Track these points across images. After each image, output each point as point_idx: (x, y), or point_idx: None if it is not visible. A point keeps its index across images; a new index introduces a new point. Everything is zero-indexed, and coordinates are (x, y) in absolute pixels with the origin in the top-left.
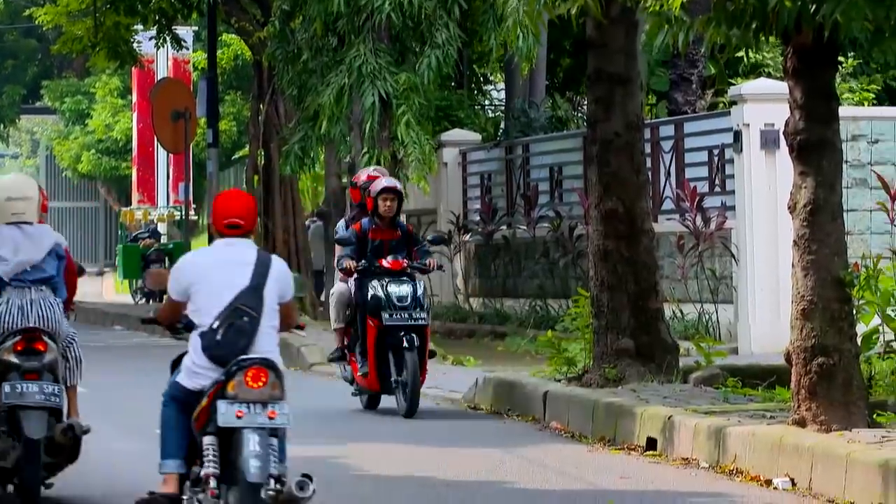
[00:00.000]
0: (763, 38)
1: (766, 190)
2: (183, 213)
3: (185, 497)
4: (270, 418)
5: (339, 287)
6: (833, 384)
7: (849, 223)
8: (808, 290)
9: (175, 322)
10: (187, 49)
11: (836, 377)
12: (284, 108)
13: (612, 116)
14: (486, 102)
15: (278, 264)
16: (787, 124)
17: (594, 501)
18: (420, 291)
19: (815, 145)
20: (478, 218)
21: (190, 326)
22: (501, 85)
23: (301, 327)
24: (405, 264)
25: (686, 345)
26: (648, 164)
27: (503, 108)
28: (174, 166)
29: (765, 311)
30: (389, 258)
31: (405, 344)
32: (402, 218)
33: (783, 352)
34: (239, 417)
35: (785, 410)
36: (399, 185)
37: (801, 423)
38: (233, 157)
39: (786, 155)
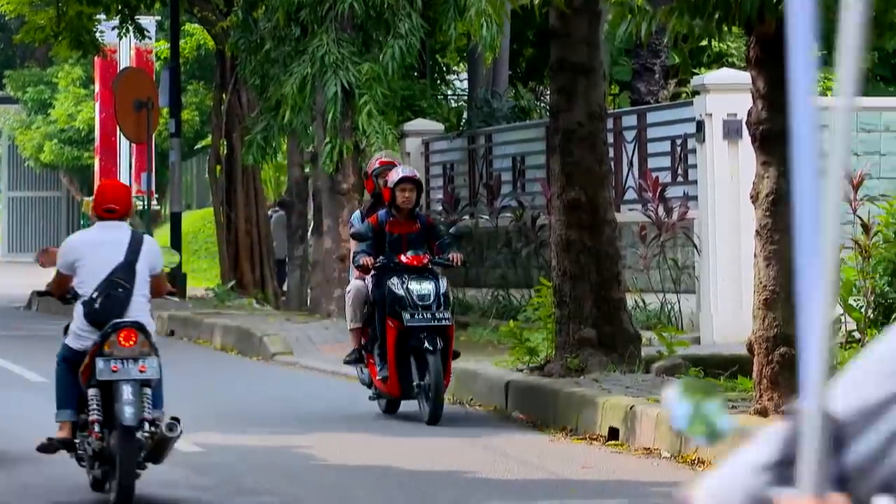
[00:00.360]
0: (726, 28)
1: (728, 180)
2: (145, 202)
3: (76, 441)
4: (141, 371)
5: (355, 285)
6: (795, 374)
7: None
8: (770, 280)
9: (65, 293)
10: (150, 39)
11: (798, 367)
12: (247, 98)
13: (575, 106)
14: (449, 92)
15: (149, 243)
16: (749, 114)
17: (556, 491)
18: (443, 289)
19: (778, 135)
20: (440, 208)
21: (76, 296)
22: (464, 75)
23: (173, 293)
24: (426, 260)
25: (648, 335)
26: (611, 154)
27: (466, 98)
28: (136, 156)
29: (727, 300)
30: (409, 253)
31: (428, 346)
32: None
33: (745, 341)
34: (114, 371)
35: (747, 400)
36: (418, 175)
37: (763, 412)
38: (195, 147)
39: (748, 145)
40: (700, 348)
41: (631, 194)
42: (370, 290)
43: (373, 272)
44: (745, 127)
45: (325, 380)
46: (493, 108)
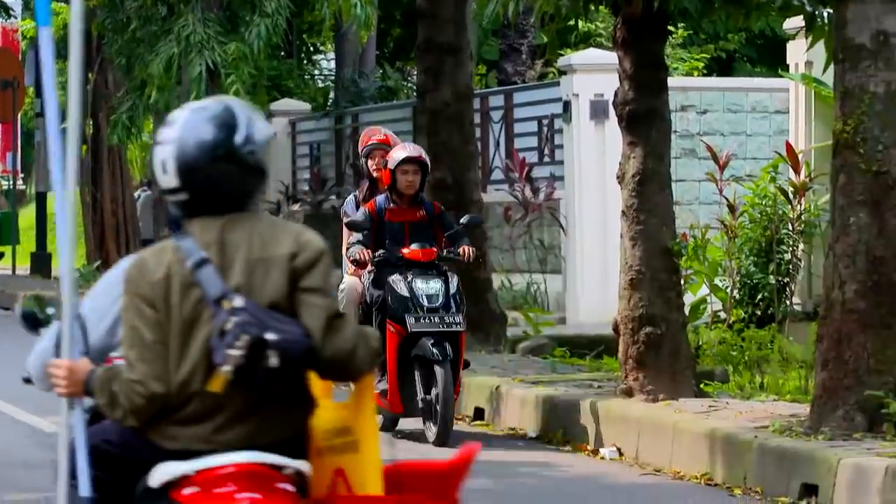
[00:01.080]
0: (593, 8)
1: (595, 160)
2: (11, 182)
3: None
4: None
5: (349, 282)
6: (660, 354)
7: (677, 193)
8: (636, 261)
9: None
10: (15, 18)
11: (664, 347)
12: (113, 78)
13: (442, 86)
14: (316, 72)
15: None
16: (616, 95)
17: None
18: (454, 288)
19: (645, 116)
20: (307, 188)
21: None
22: (331, 55)
23: None
24: (434, 254)
25: (514, 315)
26: (478, 134)
27: (333, 78)
28: (2, 135)
29: (593, 281)
30: (414, 246)
31: (436, 355)
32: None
33: (611, 322)
34: None
35: (613, 380)
36: (424, 154)
37: (629, 392)
38: (62, 127)
39: (615, 125)
40: (566, 328)
41: (497, 174)
42: (366, 288)
43: (370, 268)
44: (611, 107)
45: None
46: (361, 88)
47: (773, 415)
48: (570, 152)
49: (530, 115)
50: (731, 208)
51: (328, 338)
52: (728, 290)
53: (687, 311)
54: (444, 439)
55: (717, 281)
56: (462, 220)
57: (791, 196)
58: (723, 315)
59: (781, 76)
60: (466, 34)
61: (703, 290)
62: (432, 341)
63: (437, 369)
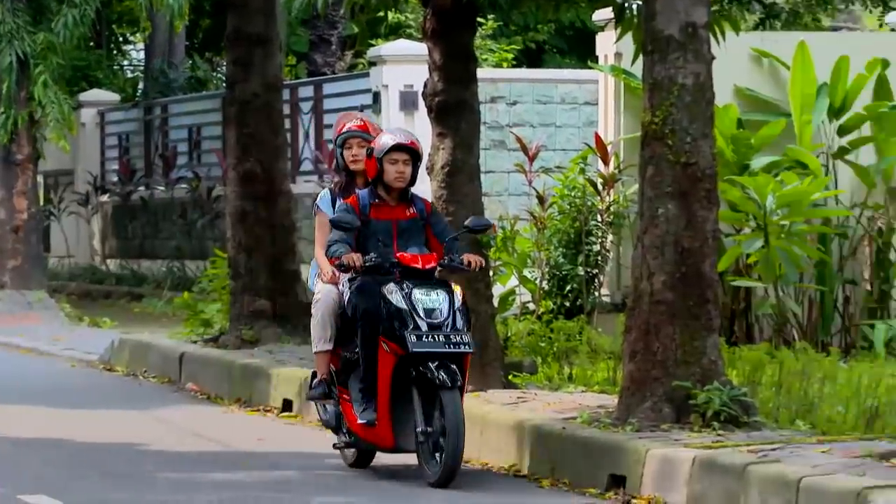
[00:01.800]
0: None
1: None
2: None
3: None
4: None
5: (325, 291)
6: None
7: (486, 185)
8: None
9: None
10: None
11: (473, 338)
12: None
13: (251, 77)
14: (126, 63)
15: None
16: (425, 86)
17: (229, 463)
18: (459, 302)
19: (454, 107)
20: (116, 178)
21: None
22: (141, 45)
23: None
24: (436, 260)
25: None
26: (287, 125)
27: (142, 68)
28: None
29: None
30: (413, 250)
31: (445, 380)
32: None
33: None
34: None
35: None
36: (417, 141)
37: None
38: None
39: (424, 116)
40: None
41: (307, 165)
42: (346, 298)
43: (352, 275)
44: (421, 98)
45: None
46: (170, 78)
47: (582, 406)
48: None
49: (340, 106)
50: (541, 200)
51: None
52: (537, 281)
53: (496, 302)
54: (449, 477)
55: (526, 272)
56: (466, 223)
57: (600, 187)
58: (532, 306)
59: (591, 68)
60: (276, 25)
61: (513, 282)
62: (436, 363)
63: (446, 396)
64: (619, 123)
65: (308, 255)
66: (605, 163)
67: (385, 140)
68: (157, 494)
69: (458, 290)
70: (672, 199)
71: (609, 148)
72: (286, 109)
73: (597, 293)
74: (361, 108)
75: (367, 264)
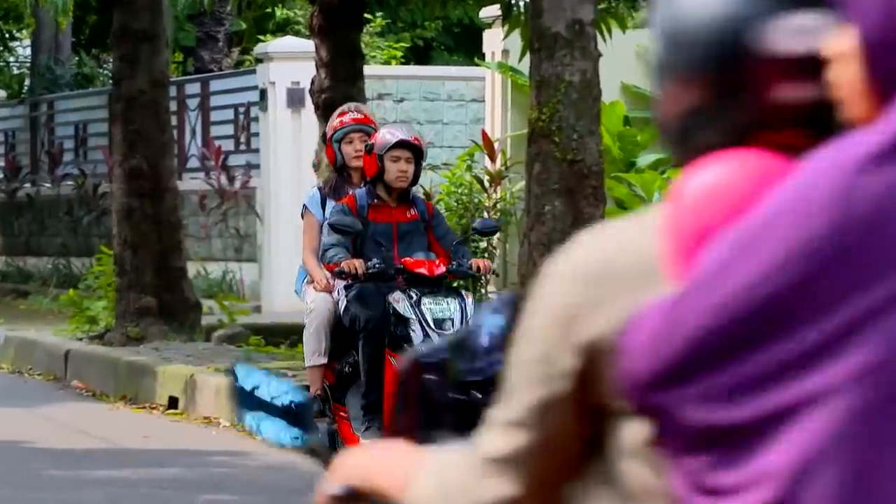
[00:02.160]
0: None
1: (291, 148)
2: None
3: None
4: None
5: (319, 300)
6: None
7: None
8: None
9: None
10: None
11: None
12: None
13: (138, 74)
14: (12, 59)
15: None
16: (312, 82)
17: (115, 460)
18: (471, 311)
19: (341, 103)
20: (1, 175)
21: None
22: (27, 41)
23: None
24: (443, 268)
25: (209, 303)
26: (174, 122)
27: (29, 64)
28: None
29: (288, 269)
30: (419, 255)
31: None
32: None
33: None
34: None
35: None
36: (420, 138)
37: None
38: None
39: (311, 113)
40: (261, 317)
41: (194, 162)
42: (342, 307)
43: (348, 281)
44: (308, 95)
45: None
46: (56, 75)
47: None
48: (266, 140)
49: (227, 102)
50: (428, 196)
51: None
52: None
53: None
54: None
55: None
56: (475, 225)
57: (487, 184)
58: None
59: (478, 65)
60: (162, 21)
61: None
62: None
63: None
64: (506, 120)
65: (194, 251)
66: (492, 160)
67: (387, 136)
68: (42, 492)
69: (469, 298)
70: (559, 196)
71: (496, 145)
72: (173, 106)
73: (483, 290)
74: (248, 106)
75: (370, 271)
